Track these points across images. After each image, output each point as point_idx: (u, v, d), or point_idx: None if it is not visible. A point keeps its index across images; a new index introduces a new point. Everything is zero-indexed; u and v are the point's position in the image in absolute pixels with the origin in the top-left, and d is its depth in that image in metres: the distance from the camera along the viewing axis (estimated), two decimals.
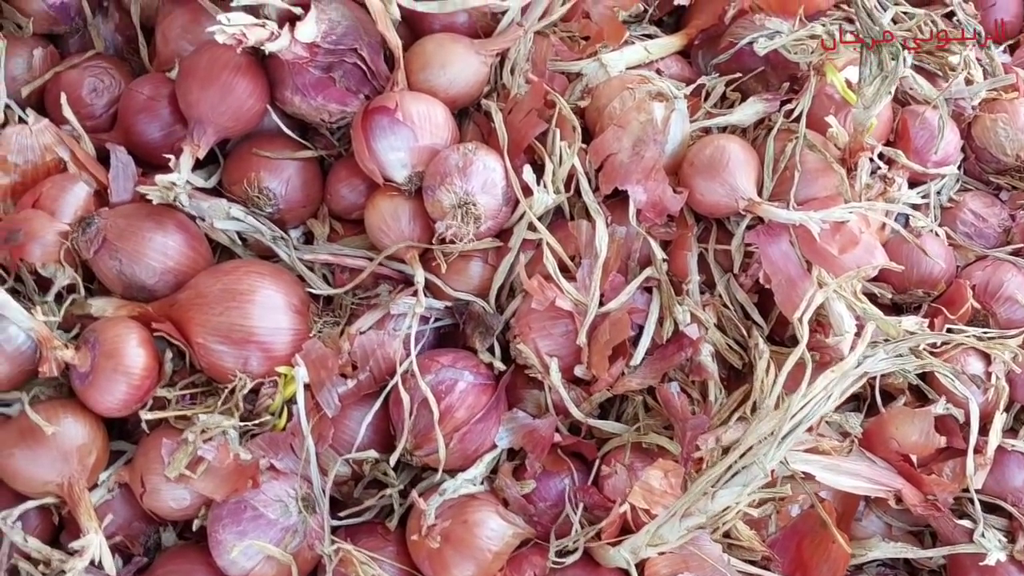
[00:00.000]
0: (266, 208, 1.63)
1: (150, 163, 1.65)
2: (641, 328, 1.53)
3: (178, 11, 1.69)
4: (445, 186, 1.52)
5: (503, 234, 1.61)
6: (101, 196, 1.61)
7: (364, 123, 1.56)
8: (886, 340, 1.46)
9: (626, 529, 1.46)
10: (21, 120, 1.67)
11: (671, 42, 1.77)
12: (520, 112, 1.60)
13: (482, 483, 1.52)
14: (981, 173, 1.76)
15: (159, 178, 1.53)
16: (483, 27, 1.70)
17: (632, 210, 1.55)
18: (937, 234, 1.63)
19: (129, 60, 1.81)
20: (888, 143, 1.64)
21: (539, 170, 1.56)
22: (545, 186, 1.54)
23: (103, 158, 1.64)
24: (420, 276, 1.54)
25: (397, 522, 1.54)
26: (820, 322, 1.51)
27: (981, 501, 1.51)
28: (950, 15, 1.79)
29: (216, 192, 1.65)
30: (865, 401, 1.57)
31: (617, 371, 1.51)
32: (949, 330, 1.55)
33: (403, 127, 1.54)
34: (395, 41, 1.59)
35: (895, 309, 1.63)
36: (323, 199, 1.69)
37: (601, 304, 1.51)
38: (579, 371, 1.52)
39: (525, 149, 1.59)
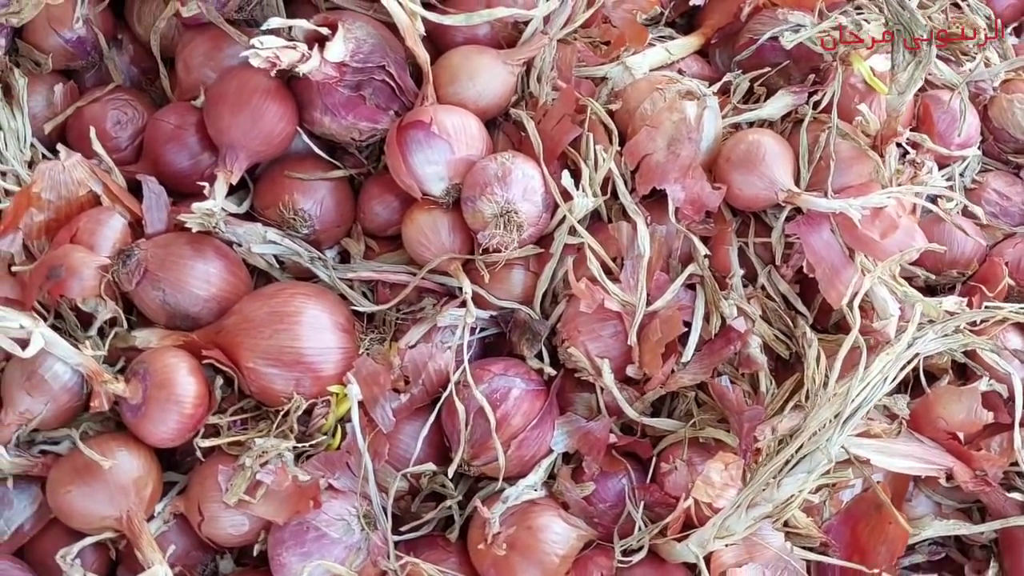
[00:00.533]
0: (302, 229, 1.63)
1: (179, 192, 1.65)
2: (687, 325, 1.54)
3: (198, 39, 1.70)
4: (486, 196, 1.53)
5: (542, 240, 1.62)
6: (135, 228, 1.61)
7: (399, 138, 1.57)
8: (930, 321, 1.49)
9: (688, 524, 1.46)
10: (46, 157, 1.67)
11: (690, 42, 1.79)
12: (552, 119, 1.61)
13: (541, 489, 1.53)
14: (1000, 153, 1.79)
15: (196, 206, 1.53)
16: (505, 38, 1.71)
17: (671, 208, 1.56)
18: (974, 213, 1.66)
19: (148, 91, 1.81)
20: (912, 130, 1.66)
21: (574, 175, 1.57)
22: (584, 190, 1.55)
23: (132, 190, 1.64)
24: (467, 286, 1.55)
25: (457, 533, 1.55)
26: (862, 307, 1.53)
27: None
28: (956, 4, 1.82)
29: (249, 217, 1.65)
30: (908, 384, 1.59)
31: (669, 369, 1.52)
32: (987, 307, 1.57)
33: (439, 140, 1.55)
34: (424, 56, 1.60)
35: (929, 291, 1.65)
36: (356, 218, 1.70)
37: (647, 303, 1.52)
38: (631, 371, 1.54)
39: (558, 155, 1.60)
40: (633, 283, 1.53)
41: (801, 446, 1.39)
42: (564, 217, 1.57)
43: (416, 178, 1.57)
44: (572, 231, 1.57)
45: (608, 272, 1.55)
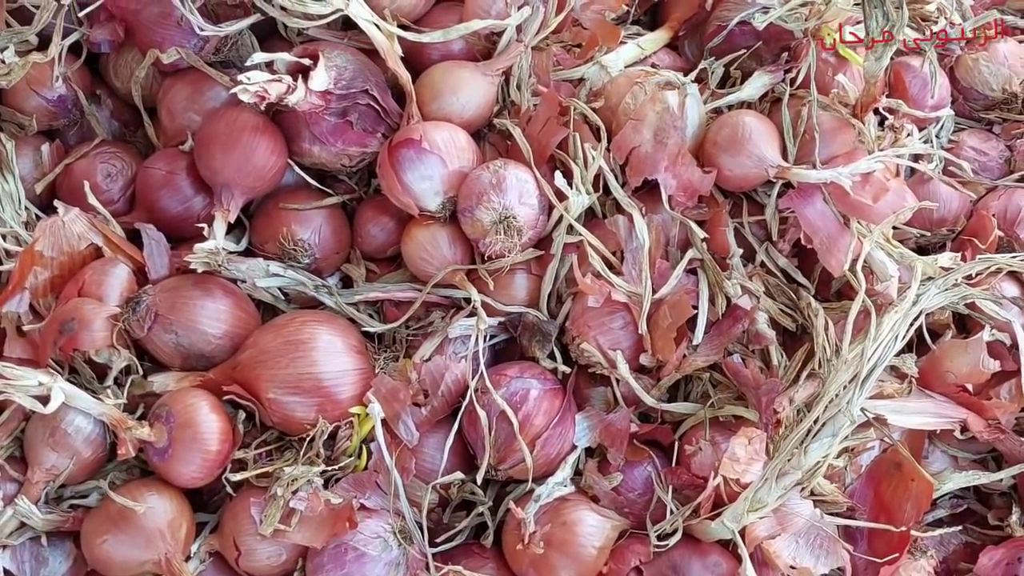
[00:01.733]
0: (303, 259, 1.65)
1: (177, 236, 1.66)
2: (693, 308, 1.56)
3: (179, 84, 1.71)
4: (483, 205, 1.55)
5: (541, 243, 1.64)
6: (139, 276, 1.62)
7: (391, 158, 1.59)
8: (929, 279, 1.53)
9: (718, 503, 1.49)
10: (39, 217, 1.68)
11: (660, 36, 1.82)
12: (537, 123, 1.64)
13: (569, 485, 1.54)
14: (971, 112, 1.85)
15: (199, 247, 1.54)
16: (480, 50, 1.74)
17: (664, 197, 1.59)
18: (955, 172, 1.70)
19: (132, 142, 1.82)
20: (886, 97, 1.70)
21: (565, 175, 1.60)
22: (577, 188, 1.58)
23: (131, 240, 1.66)
24: (476, 295, 1.57)
25: (492, 539, 1.56)
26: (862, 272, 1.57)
27: None
28: None
29: (248, 254, 1.67)
30: (913, 344, 1.62)
31: (681, 353, 1.55)
32: (981, 259, 1.61)
33: (431, 155, 1.58)
34: (405, 75, 1.63)
35: (920, 251, 1.67)
36: (353, 243, 1.72)
37: (653, 292, 1.55)
38: (644, 359, 1.56)
39: (547, 158, 1.63)
40: (636, 273, 1.56)
41: (823, 412, 1.41)
42: (561, 217, 1.59)
43: (412, 195, 1.59)
44: (570, 230, 1.59)
45: (610, 266, 1.58)
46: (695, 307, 1.56)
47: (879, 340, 1.41)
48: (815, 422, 1.41)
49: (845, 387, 1.41)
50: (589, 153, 1.60)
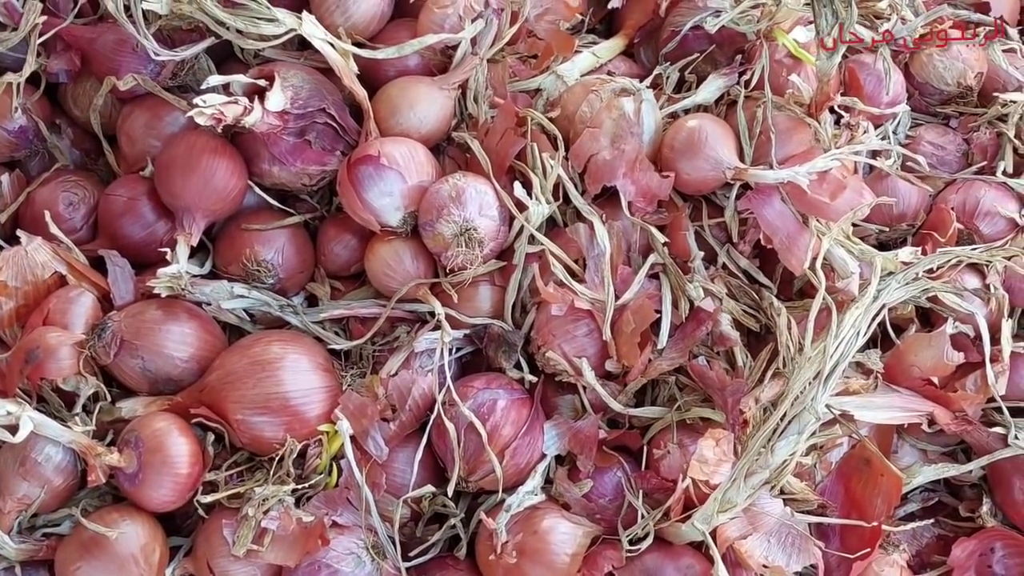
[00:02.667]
0: (267, 280, 1.65)
1: (140, 263, 1.66)
2: (657, 313, 1.57)
3: (137, 111, 1.72)
4: (444, 218, 1.56)
5: (504, 254, 1.65)
6: (104, 302, 1.62)
7: (350, 176, 1.59)
8: (890, 274, 1.54)
9: (688, 506, 1.49)
10: (1, 248, 1.68)
11: (615, 44, 1.83)
12: (495, 135, 1.65)
13: (540, 493, 1.55)
14: (927, 107, 1.86)
15: (162, 271, 1.55)
16: (436, 65, 1.74)
17: (624, 203, 1.60)
18: (913, 167, 1.72)
19: (94, 170, 1.82)
20: (841, 95, 1.71)
21: (524, 186, 1.61)
22: (537, 198, 1.59)
23: (94, 267, 1.66)
24: (439, 308, 1.57)
25: (465, 551, 1.56)
26: (823, 270, 1.58)
27: (1007, 407, 1.58)
28: None
29: (213, 277, 1.67)
30: (878, 339, 1.63)
31: (646, 358, 1.55)
32: (942, 253, 1.61)
33: (390, 171, 1.58)
34: (361, 92, 1.64)
35: (881, 247, 1.69)
36: (317, 261, 1.72)
37: (616, 298, 1.56)
38: (610, 365, 1.57)
39: (506, 170, 1.64)
40: (599, 280, 1.56)
41: (788, 410, 1.42)
42: (522, 227, 1.60)
43: (372, 211, 1.59)
44: (532, 240, 1.60)
45: (572, 274, 1.58)
46: (658, 311, 1.57)
47: (841, 336, 1.41)
48: (781, 420, 1.41)
49: (809, 384, 1.41)
50: (547, 162, 1.60)
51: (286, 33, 1.61)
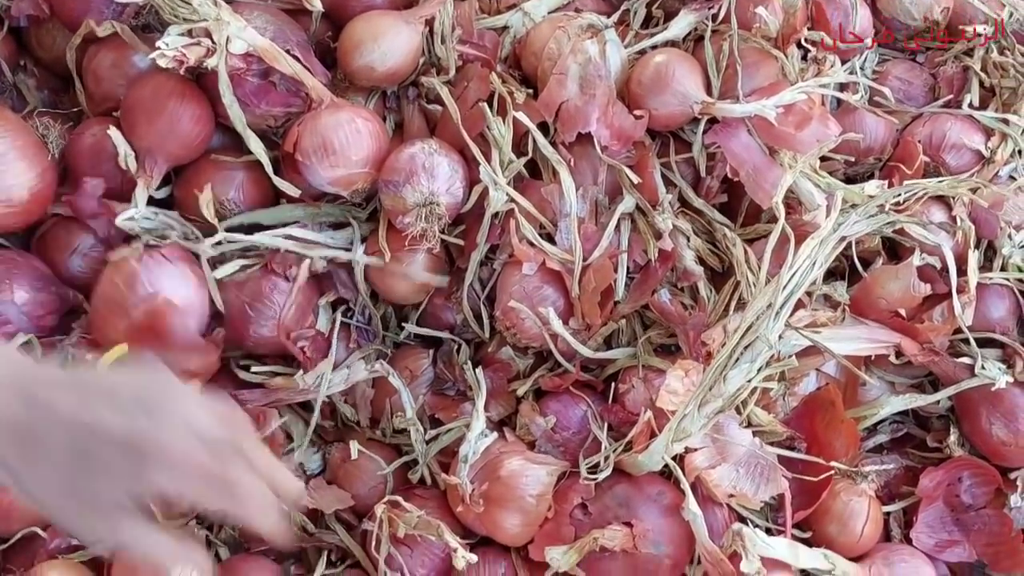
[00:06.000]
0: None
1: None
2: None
3: (103, 51, 1.69)
4: (411, 184, 1.54)
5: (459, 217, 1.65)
6: None
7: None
8: (853, 206, 1.54)
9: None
10: None
11: None
12: (466, 104, 1.63)
13: (489, 434, 1.54)
14: (894, 43, 1.85)
15: (119, 220, 1.55)
16: (403, 3, 1.73)
17: (598, 148, 1.60)
18: (880, 102, 1.72)
19: (62, 111, 1.79)
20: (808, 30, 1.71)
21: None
22: (493, 182, 1.57)
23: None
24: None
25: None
26: (791, 204, 1.59)
27: (974, 338, 1.59)
28: None
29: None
30: (846, 273, 1.64)
31: (607, 312, 1.57)
32: (906, 185, 1.62)
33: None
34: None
35: (849, 181, 1.69)
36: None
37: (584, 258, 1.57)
38: (573, 323, 1.57)
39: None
40: (568, 242, 1.57)
41: (742, 337, 1.42)
42: (485, 202, 1.59)
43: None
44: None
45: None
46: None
47: (796, 267, 1.42)
48: (734, 349, 1.42)
49: (763, 313, 1.42)
50: (499, 137, 1.59)
51: None
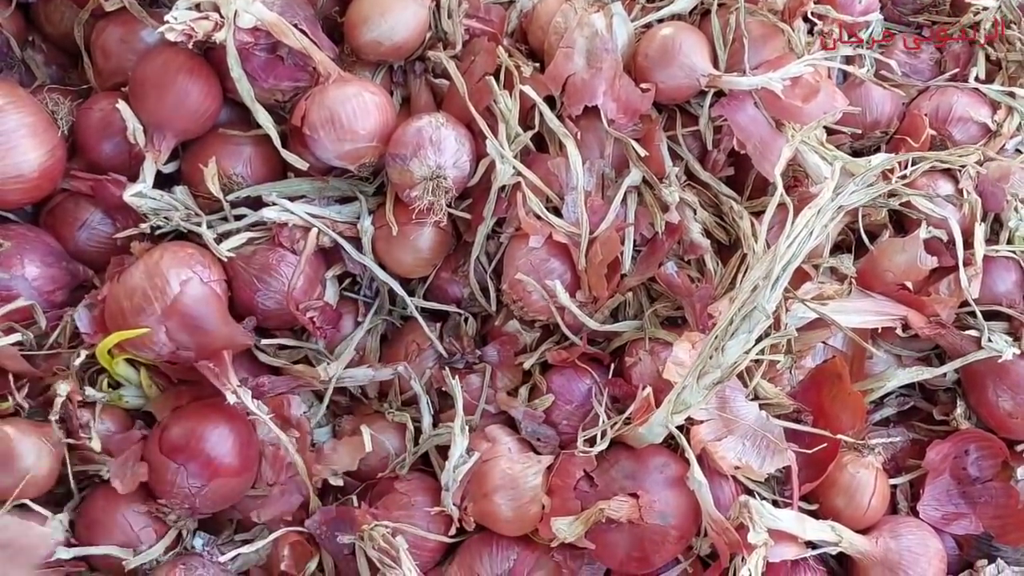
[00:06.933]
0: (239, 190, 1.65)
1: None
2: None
3: (111, 26, 1.70)
4: (418, 157, 1.55)
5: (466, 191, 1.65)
6: None
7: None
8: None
9: None
10: None
11: None
12: (473, 78, 1.64)
13: (469, 456, 1.53)
14: (900, 16, 1.87)
15: (128, 197, 1.56)
16: None
17: (605, 121, 1.60)
18: (887, 76, 1.72)
19: (71, 86, 1.80)
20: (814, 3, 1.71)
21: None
22: (501, 156, 1.57)
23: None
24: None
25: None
26: (797, 177, 1.59)
27: (980, 310, 1.59)
28: None
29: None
30: (852, 246, 1.65)
31: (614, 285, 1.58)
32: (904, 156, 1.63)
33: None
34: None
35: (856, 155, 1.69)
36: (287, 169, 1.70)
37: (590, 231, 1.57)
38: (580, 296, 1.58)
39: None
40: (575, 216, 1.57)
41: (740, 307, 1.42)
42: (492, 175, 1.60)
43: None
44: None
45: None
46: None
47: (792, 236, 1.41)
48: (731, 320, 1.41)
49: (760, 283, 1.42)
50: (505, 111, 1.59)
51: None
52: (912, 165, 1.61)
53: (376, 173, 1.66)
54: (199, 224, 1.60)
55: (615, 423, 1.50)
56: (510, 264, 1.58)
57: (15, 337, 1.49)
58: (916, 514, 1.58)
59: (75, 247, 1.63)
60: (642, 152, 1.60)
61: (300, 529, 1.54)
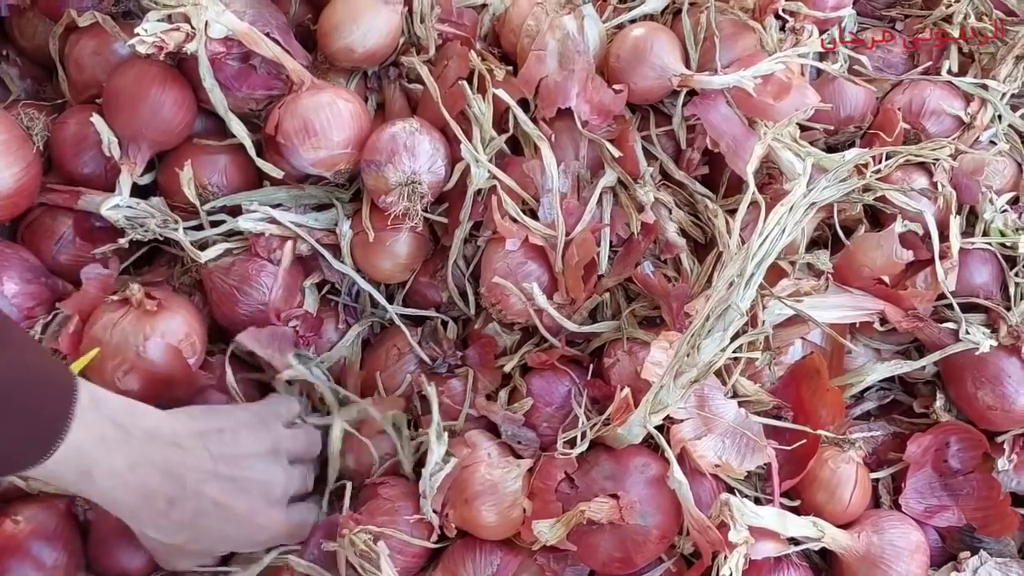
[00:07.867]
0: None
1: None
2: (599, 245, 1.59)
3: (85, 39, 1.69)
4: (393, 163, 1.55)
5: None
6: None
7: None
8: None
9: None
10: None
11: None
12: (446, 83, 1.64)
13: (445, 463, 1.52)
14: (873, 11, 1.87)
15: (105, 211, 1.57)
16: None
17: (579, 123, 1.60)
18: (859, 71, 1.73)
19: (45, 101, 1.80)
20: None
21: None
22: (476, 161, 1.58)
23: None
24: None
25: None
26: (772, 174, 1.59)
27: (957, 303, 1.60)
28: None
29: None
30: (828, 242, 1.65)
31: (591, 285, 1.58)
32: (877, 150, 1.64)
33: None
34: None
35: (829, 151, 1.68)
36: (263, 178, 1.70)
37: (566, 232, 1.57)
38: (558, 298, 1.58)
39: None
40: (550, 217, 1.58)
41: (715, 306, 1.42)
42: (467, 179, 1.59)
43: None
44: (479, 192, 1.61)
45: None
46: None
47: (765, 234, 1.42)
48: (706, 319, 1.42)
49: (734, 281, 1.42)
50: (480, 115, 1.60)
51: None
52: (886, 159, 1.62)
53: (352, 180, 1.66)
54: (176, 230, 1.60)
55: (595, 424, 1.50)
56: (487, 268, 1.58)
57: None
58: (898, 508, 1.57)
59: (53, 261, 1.63)
60: (616, 153, 1.60)
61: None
